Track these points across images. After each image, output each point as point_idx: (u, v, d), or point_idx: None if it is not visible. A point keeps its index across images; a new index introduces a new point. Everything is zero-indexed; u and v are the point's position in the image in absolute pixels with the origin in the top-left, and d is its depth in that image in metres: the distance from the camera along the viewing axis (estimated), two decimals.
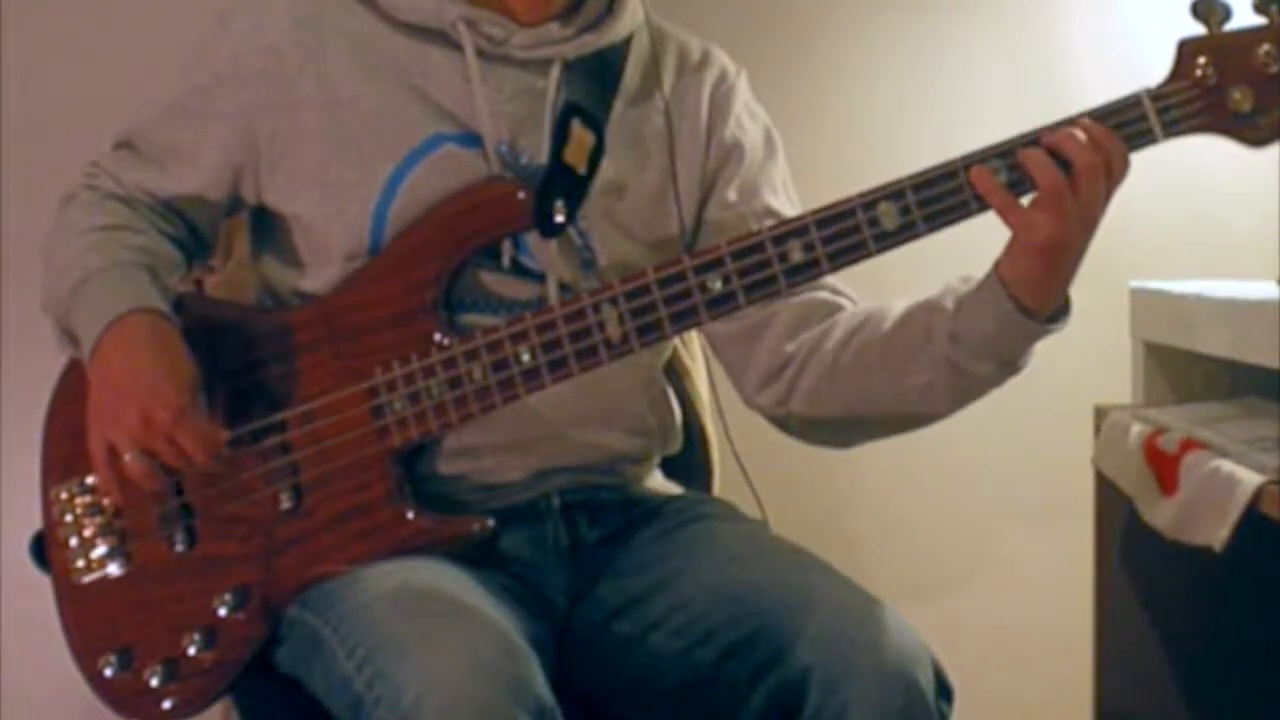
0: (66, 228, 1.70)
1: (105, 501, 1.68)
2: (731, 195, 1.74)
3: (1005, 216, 1.51)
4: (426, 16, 1.67)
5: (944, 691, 1.52)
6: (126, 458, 1.57)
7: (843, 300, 1.72)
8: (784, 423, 1.75)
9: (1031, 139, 1.51)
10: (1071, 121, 1.51)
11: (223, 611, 1.63)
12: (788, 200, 1.77)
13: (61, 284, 1.64)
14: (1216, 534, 1.89)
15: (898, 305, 1.65)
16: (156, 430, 1.55)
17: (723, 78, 1.78)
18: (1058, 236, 1.50)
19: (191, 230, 1.74)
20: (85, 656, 1.69)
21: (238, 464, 1.63)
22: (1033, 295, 1.53)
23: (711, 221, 1.74)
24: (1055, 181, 1.49)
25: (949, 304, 1.59)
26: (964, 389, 1.62)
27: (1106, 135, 1.50)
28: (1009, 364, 1.59)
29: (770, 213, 1.72)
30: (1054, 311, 1.55)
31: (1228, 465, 1.92)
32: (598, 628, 1.66)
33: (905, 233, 1.54)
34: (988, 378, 1.60)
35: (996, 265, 1.55)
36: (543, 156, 1.66)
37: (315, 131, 1.66)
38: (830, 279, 1.70)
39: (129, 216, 1.70)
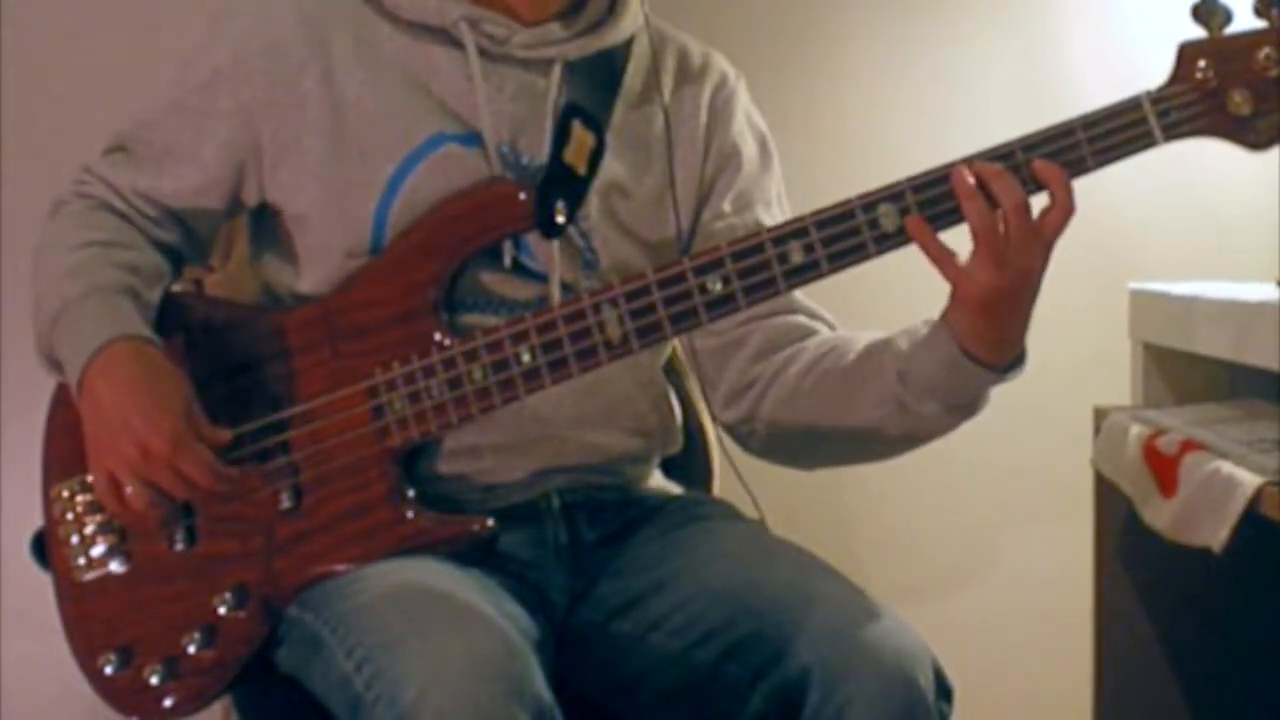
0: (53, 242, 1.68)
1: None
2: (726, 206, 1.75)
3: (941, 268, 1.52)
4: (429, 15, 1.67)
5: (944, 691, 1.52)
6: (128, 490, 1.57)
7: (818, 326, 1.74)
8: (745, 440, 1.78)
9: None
10: (1010, 152, 1.51)
11: (222, 610, 1.63)
12: (780, 213, 1.78)
13: (42, 312, 1.63)
14: (1216, 535, 1.90)
15: (862, 339, 1.68)
16: (156, 460, 1.54)
17: (722, 83, 1.79)
18: (995, 287, 1.50)
19: (188, 234, 1.73)
20: (86, 655, 1.69)
21: (238, 463, 1.63)
22: (978, 345, 1.55)
23: (704, 229, 1.75)
24: (990, 228, 1.49)
25: (904, 345, 1.62)
26: (913, 428, 1.64)
27: (1051, 174, 1.50)
28: (960, 408, 1.61)
29: (760, 228, 1.72)
30: (1010, 360, 1.57)
31: (1227, 466, 1.92)
32: (597, 627, 1.66)
33: (906, 234, 1.54)
34: (937, 419, 1.62)
35: (944, 313, 1.56)
36: (543, 156, 1.66)
37: (317, 129, 1.66)
38: (809, 303, 1.74)
39: (117, 230, 1.68)
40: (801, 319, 1.74)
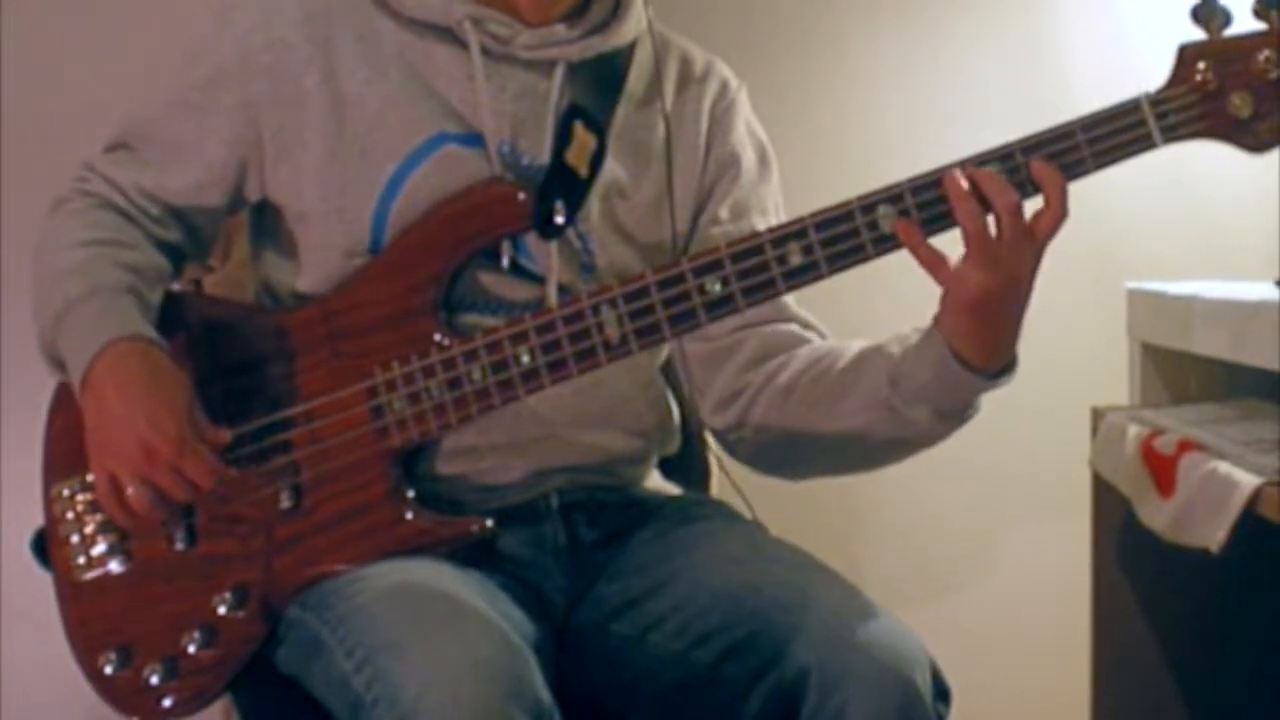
0: (55, 240, 1.68)
1: None
2: (723, 213, 1.76)
3: (934, 272, 1.52)
4: (433, 14, 1.67)
5: (941, 693, 1.52)
6: (129, 491, 1.57)
7: (811, 336, 1.74)
8: (733, 447, 1.78)
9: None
10: (1010, 154, 1.51)
11: (222, 610, 1.63)
12: (776, 222, 1.77)
13: (45, 310, 1.63)
14: (1214, 535, 1.90)
15: (854, 346, 1.68)
16: (159, 461, 1.54)
17: (724, 91, 1.79)
18: (986, 289, 1.50)
19: (190, 232, 1.72)
20: (86, 654, 1.69)
21: (238, 463, 1.63)
22: (969, 349, 1.55)
23: (700, 235, 1.76)
24: (982, 229, 1.49)
25: (895, 350, 1.61)
26: (902, 436, 1.64)
27: (1048, 177, 1.50)
28: (950, 415, 1.60)
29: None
30: (1000, 367, 1.56)
31: (1225, 467, 1.92)
32: (596, 628, 1.66)
33: None
34: (926, 426, 1.61)
35: (936, 317, 1.56)
36: (544, 157, 1.66)
37: (319, 126, 1.66)
38: (803, 312, 1.74)
39: (119, 228, 1.68)
40: (795, 328, 1.74)
